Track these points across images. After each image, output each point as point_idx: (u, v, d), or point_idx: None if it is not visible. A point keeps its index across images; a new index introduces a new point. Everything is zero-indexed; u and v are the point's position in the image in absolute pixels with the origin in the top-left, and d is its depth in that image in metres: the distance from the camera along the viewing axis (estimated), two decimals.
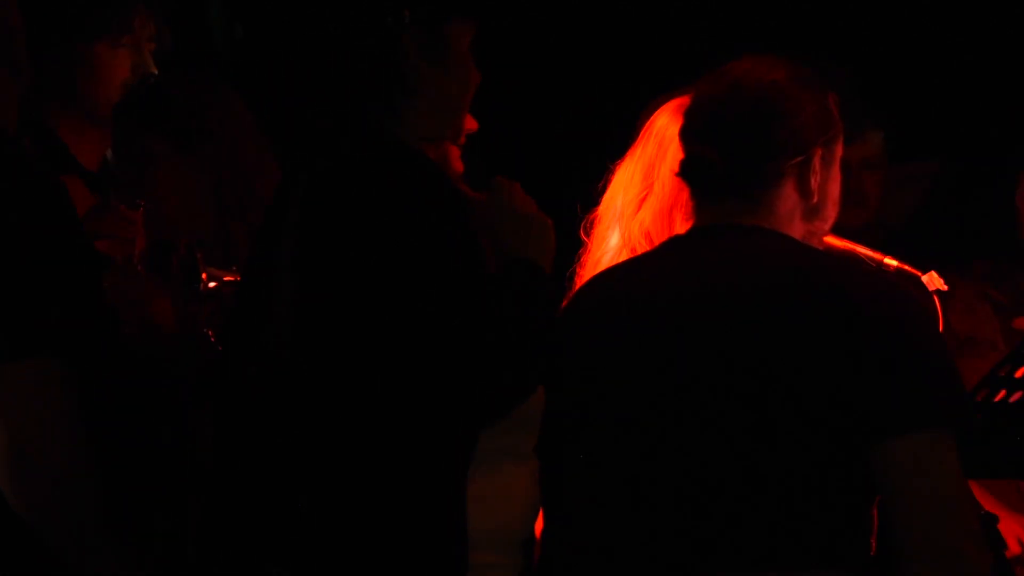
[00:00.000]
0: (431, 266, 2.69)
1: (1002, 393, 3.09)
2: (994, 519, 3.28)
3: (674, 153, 3.22)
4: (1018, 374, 3.08)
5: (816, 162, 2.79)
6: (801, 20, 4.98)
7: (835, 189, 2.85)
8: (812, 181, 2.79)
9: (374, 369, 2.71)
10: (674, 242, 2.89)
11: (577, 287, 3.01)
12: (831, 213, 2.86)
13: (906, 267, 3.24)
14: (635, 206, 3.31)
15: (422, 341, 2.69)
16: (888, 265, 3.24)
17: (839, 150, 2.86)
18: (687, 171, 2.84)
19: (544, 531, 2.85)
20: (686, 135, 2.86)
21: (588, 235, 3.42)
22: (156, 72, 3.43)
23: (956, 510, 2.58)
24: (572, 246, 3.43)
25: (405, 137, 2.87)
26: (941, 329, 3.15)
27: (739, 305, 2.67)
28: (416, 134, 2.88)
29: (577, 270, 3.45)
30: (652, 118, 3.37)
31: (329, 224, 2.78)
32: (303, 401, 2.75)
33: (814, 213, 2.82)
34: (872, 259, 3.24)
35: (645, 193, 3.31)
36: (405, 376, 2.69)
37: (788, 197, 2.79)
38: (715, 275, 2.72)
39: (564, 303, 2.97)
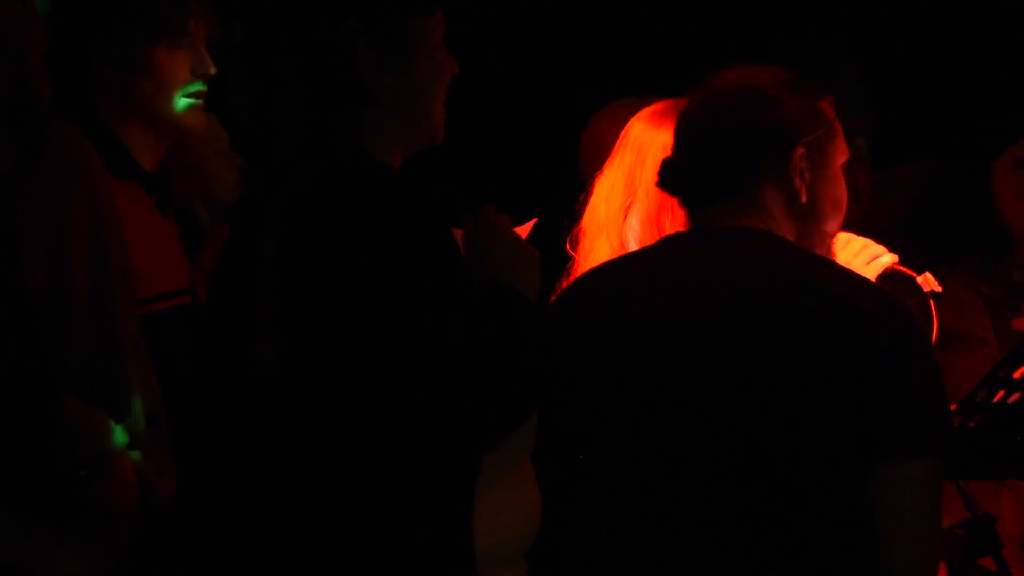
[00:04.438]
0: (402, 284, 2.59)
1: (1001, 393, 3.09)
2: (991, 519, 3.28)
3: (654, 158, 3.22)
4: (1017, 374, 3.08)
5: (798, 161, 2.75)
6: (799, 21, 4.98)
7: (833, 190, 2.81)
8: (796, 180, 2.76)
9: (364, 392, 2.61)
10: (673, 241, 2.87)
11: (569, 284, 2.97)
12: (829, 214, 2.82)
13: (902, 268, 3.24)
14: (621, 215, 3.28)
15: (411, 360, 2.58)
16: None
17: (834, 151, 2.81)
18: (663, 180, 2.85)
19: (547, 534, 2.79)
20: (673, 149, 2.86)
21: (574, 249, 3.40)
22: (215, 71, 3.48)
23: (931, 538, 2.66)
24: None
25: (374, 148, 2.75)
26: (935, 328, 3.18)
27: (745, 314, 2.66)
28: (387, 144, 2.78)
29: (565, 284, 3.43)
30: (628, 127, 3.36)
31: (302, 252, 2.64)
32: (294, 429, 2.65)
33: (806, 214, 2.78)
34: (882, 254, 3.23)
35: (629, 201, 3.29)
36: (395, 397, 2.59)
37: (775, 197, 2.77)
38: (718, 280, 2.71)
39: (554, 299, 2.94)
